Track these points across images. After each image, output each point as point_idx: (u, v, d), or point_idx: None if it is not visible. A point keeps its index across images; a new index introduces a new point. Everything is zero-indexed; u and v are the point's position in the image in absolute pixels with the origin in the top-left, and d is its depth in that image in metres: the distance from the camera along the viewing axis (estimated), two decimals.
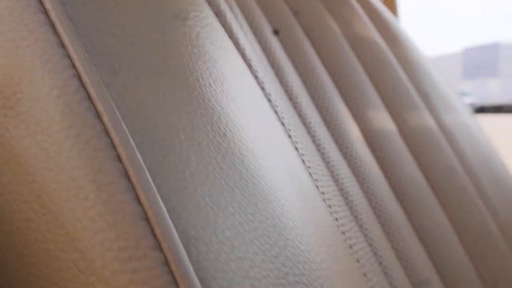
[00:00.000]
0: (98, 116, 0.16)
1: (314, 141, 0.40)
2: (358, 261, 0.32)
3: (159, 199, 0.15)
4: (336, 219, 0.33)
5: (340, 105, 0.46)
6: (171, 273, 0.14)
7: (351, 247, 0.32)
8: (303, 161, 0.33)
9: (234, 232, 0.17)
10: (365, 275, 0.32)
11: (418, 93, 0.57)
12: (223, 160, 0.19)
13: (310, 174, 0.33)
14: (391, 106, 0.52)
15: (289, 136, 0.33)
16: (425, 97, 0.57)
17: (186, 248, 0.14)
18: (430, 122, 0.54)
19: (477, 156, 0.58)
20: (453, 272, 0.45)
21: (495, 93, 24.81)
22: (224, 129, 0.21)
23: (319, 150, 0.39)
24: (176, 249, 0.14)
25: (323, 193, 0.33)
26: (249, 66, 0.34)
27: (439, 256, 0.45)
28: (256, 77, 0.34)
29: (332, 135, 0.44)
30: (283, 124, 0.34)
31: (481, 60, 28.26)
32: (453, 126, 0.57)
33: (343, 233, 0.33)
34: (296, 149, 0.33)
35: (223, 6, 0.33)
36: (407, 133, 0.51)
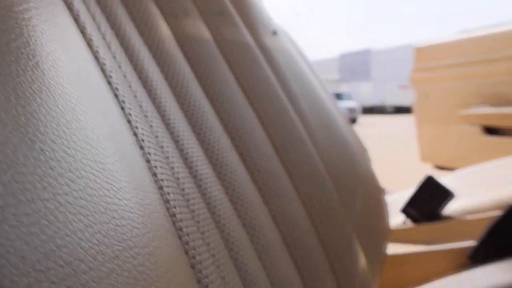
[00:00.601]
0: None
1: (127, 52, 0.39)
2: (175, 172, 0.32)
3: None
4: (141, 142, 0.32)
5: (153, 10, 0.47)
6: None
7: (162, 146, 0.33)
8: (95, 57, 0.33)
9: None
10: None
11: (237, 13, 0.59)
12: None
13: (117, 96, 0.33)
14: (208, 18, 0.54)
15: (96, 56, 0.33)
16: (244, 17, 0.59)
17: None
18: (247, 38, 0.56)
19: (295, 77, 0.61)
20: (271, 184, 0.47)
21: (367, 96, 26.80)
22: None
23: (127, 54, 0.39)
24: None
25: (126, 105, 0.33)
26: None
27: (255, 164, 0.47)
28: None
29: (146, 43, 0.44)
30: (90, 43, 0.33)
31: (355, 65, 30.37)
32: (272, 48, 0.60)
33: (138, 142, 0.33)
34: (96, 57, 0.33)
35: None
36: (223, 44, 0.53)
